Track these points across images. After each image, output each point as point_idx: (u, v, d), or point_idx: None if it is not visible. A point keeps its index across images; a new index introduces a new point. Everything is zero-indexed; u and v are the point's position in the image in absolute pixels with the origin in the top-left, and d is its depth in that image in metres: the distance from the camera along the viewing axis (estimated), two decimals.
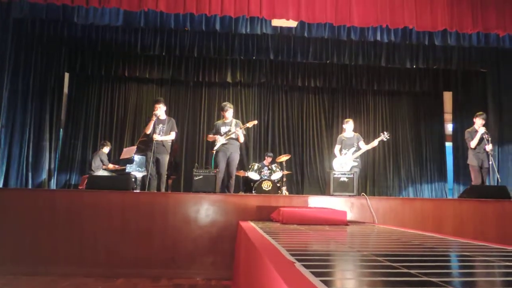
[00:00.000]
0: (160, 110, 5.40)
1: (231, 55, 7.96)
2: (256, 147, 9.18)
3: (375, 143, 5.87)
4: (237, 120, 5.78)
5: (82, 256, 3.80)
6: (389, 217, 4.18)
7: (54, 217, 3.87)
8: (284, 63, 8.86)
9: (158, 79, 9.11)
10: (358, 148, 5.97)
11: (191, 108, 9.23)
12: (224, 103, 5.79)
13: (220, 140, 5.50)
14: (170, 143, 5.49)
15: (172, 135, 5.48)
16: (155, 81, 9.17)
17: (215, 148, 5.52)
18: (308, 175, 9.14)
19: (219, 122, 5.79)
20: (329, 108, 9.53)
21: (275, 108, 9.42)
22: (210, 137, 5.71)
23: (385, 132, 5.98)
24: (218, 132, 5.64)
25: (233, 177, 5.54)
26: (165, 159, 5.37)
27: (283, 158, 7.52)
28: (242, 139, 5.58)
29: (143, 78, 8.99)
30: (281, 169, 7.36)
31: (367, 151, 6.16)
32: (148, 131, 5.33)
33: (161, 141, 5.34)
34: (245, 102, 9.33)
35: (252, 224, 3.27)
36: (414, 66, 8.06)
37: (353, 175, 4.57)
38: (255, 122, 5.75)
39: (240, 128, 5.48)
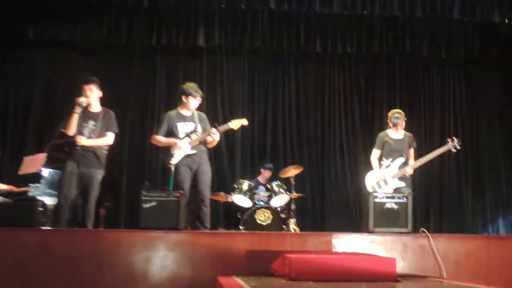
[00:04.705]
0: (92, 97, 5.43)
1: (205, 4, 7.99)
2: (245, 154, 9.15)
3: (442, 149, 5.89)
4: (200, 112, 5.87)
5: None
6: (466, 267, 4.22)
7: None
8: (292, 16, 8.89)
9: (85, 43, 9.08)
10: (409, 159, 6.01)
11: (139, 90, 9.21)
12: (190, 85, 5.81)
13: (183, 148, 5.49)
14: (105, 152, 5.52)
15: (109, 138, 5.52)
16: (79, 46, 9.14)
17: (173, 160, 5.46)
18: (332, 200, 9.14)
19: (172, 113, 5.81)
20: (367, 89, 9.56)
21: (279, 90, 9.42)
22: (160, 140, 5.70)
23: (455, 138, 5.95)
24: (172, 132, 5.65)
25: (207, 202, 5.55)
26: (97, 176, 5.39)
27: (292, 172, 7.54)
28: (215, 140, 5.67)
29: (59, 41, 8.95)
30: (288, 189, 7.36)
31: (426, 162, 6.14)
32: (70, 131, 5.33)
33: (91, 147, 5.35)
34: (227, 80, 9.30)
35: (239, 281, 3.29)
36: (507, 20, 8.12)
37: (407, 199, 4.58)
38: (244, 121, 5.71)
39: (212, 134, 5.50)
